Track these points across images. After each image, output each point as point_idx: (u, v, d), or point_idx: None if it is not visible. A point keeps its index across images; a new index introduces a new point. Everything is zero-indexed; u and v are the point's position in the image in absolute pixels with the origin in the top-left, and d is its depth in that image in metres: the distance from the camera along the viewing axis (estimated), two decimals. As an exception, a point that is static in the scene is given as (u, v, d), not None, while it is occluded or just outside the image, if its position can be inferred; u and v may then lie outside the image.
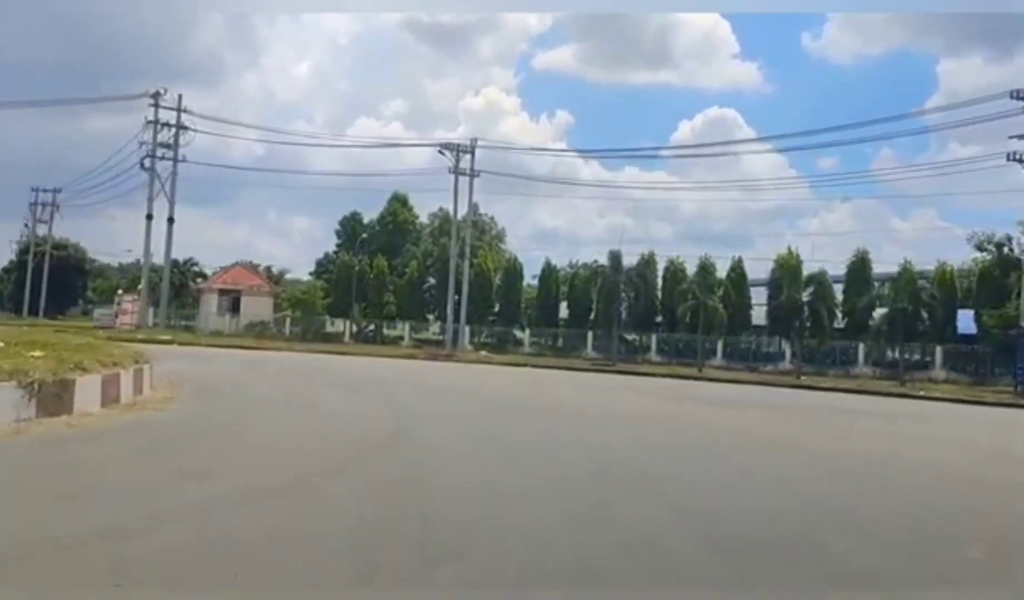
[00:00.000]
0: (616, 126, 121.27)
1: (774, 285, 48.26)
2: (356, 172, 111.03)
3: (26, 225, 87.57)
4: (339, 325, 59.41)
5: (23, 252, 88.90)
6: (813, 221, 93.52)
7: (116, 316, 66.45)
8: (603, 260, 48.97)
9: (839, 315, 46.42)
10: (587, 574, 6.39)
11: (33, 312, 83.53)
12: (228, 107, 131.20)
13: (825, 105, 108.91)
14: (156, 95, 58.00)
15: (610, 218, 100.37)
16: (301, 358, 40.76)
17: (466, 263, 51.90)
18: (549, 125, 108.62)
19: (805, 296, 44.14)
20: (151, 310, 60.33)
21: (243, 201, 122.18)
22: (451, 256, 51.81)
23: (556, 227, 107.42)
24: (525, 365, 43.30)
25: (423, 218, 73.06)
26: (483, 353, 49.65)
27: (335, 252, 71.30)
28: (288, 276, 75.58)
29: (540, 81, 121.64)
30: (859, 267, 46.63)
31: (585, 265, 57.67)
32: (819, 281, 42.75)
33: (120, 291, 73.39)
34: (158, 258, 60.48)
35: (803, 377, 40.39)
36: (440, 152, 50.53)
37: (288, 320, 58.89)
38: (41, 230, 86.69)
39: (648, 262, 51.86)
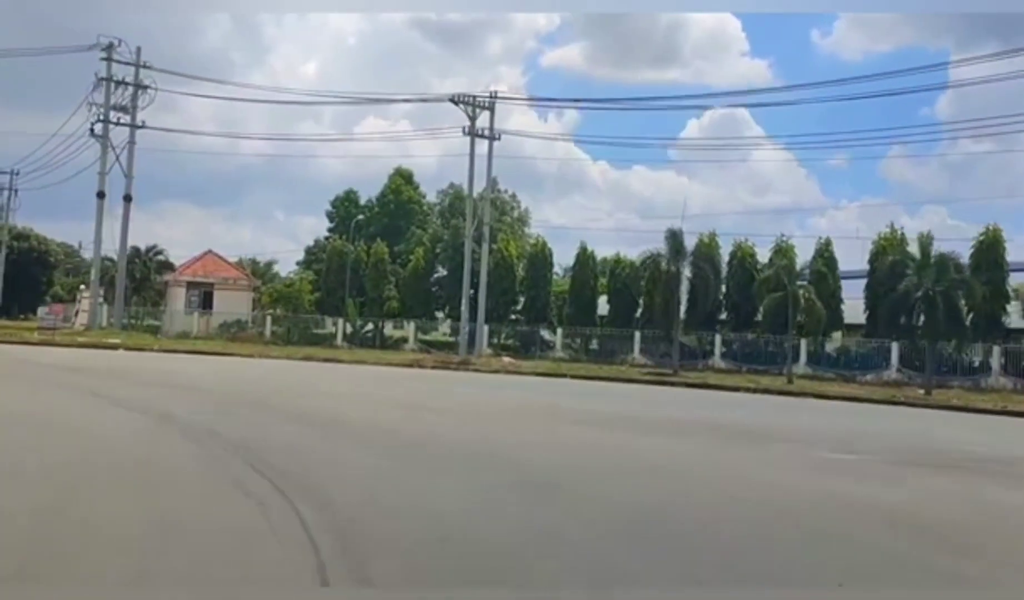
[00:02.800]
0: (624, 124, 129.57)
1: (878, 273, 39.44)
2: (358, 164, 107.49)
3: (-22, 213, 79.38)
4: (330, 324, 51.12)
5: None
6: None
7: (76, 314, 58.85)
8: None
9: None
10: None
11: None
12: (236, 105, 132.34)
13: (835, 103, 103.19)
14: (109, 47, 49.63)
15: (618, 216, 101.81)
16: (275, 368, 32.68)
17: (484, 248, 43.45)
18: (557, 123, 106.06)
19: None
20: (104, 308, 52.09)
21: (246, 199, 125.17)
22: (466, 238, 43.28)
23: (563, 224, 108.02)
24: (562, 375, 35.00)
25: (431, 197, 64.58)
26: (506, 359, 41.28)
27: (326, 238, 62.89)
28: (277, 269, 67.01)
29: (548, 79, 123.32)
30: (990, 248, 37.67)
31: (619, 258, 48.98)
32: (944, 265, 33.68)
33: (83, 287, 65.59)
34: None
35: (932, 392, 31.69)
36: (453, 101, 42.01)
37: (269, 319, 50.48)
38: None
39: (709, 245, 43.19)
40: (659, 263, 40.93)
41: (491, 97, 43.13)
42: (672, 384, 33.28)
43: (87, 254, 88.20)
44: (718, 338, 43.42)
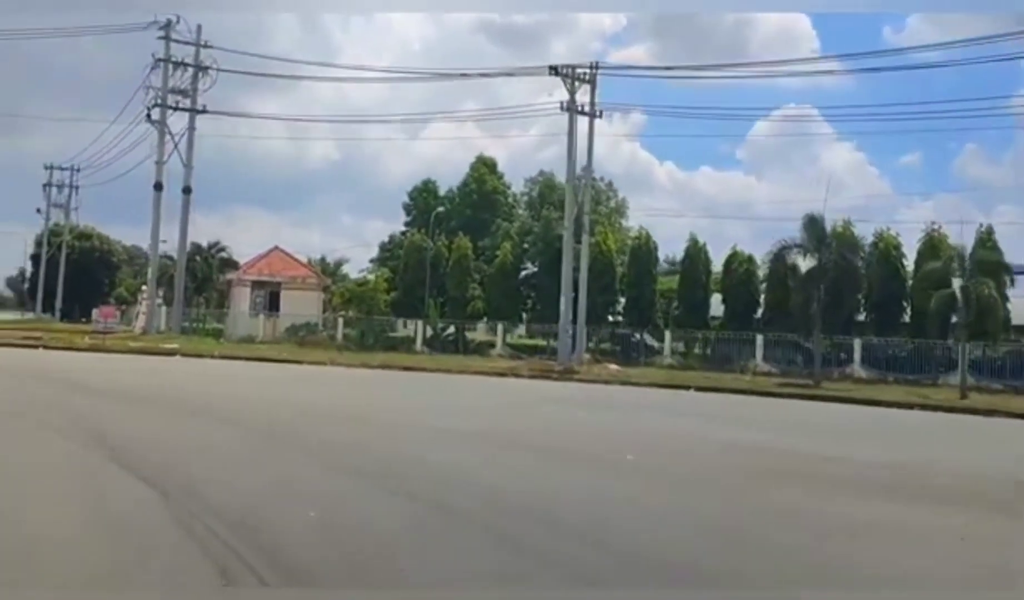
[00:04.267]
0: (690, 125, 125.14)
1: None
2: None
3: (38, 211, 77.39)
4: (408, 327, 46.81)
5: (40, 244, 79.07)
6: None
7: (136, 316, 55.71)
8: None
9: None
10: None
11: (50, 310, 74.55)
12: (304, 111, 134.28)
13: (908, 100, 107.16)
14: (167, 25, 46.04)
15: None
16: (354, 380, 28.37)
17: (584, 241, 38.52)
18: (623, 124, 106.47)
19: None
20: (163, 310, 48.58)
21: (313, 203, 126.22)
22: (565, 229, 38.41)
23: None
24: (683, 386, 29.95)
25: (518, 186, 59.80)
26: (612, 367, 36.41)
27: (403, 232, 58.56)
28: (346, 269, 62.86)
29: (614, 81, 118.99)
30: None
31: (735, 252, 43.70)
32: None
33: (143, 287, 62.53)
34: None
35: None
36: (553, 71, 37.15)
37: (341, 321, 46.29)
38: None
39: (843, 234, 37.60)
40: (784, 257, 35.77)
41: (592, 68, 38.21)
42: (823, 398, 27.98)
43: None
44: (857, 343, 37.91)
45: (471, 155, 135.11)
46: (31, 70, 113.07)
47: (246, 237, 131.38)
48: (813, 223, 33.54)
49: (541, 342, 45.76)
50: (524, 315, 47.30)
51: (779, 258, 36.06)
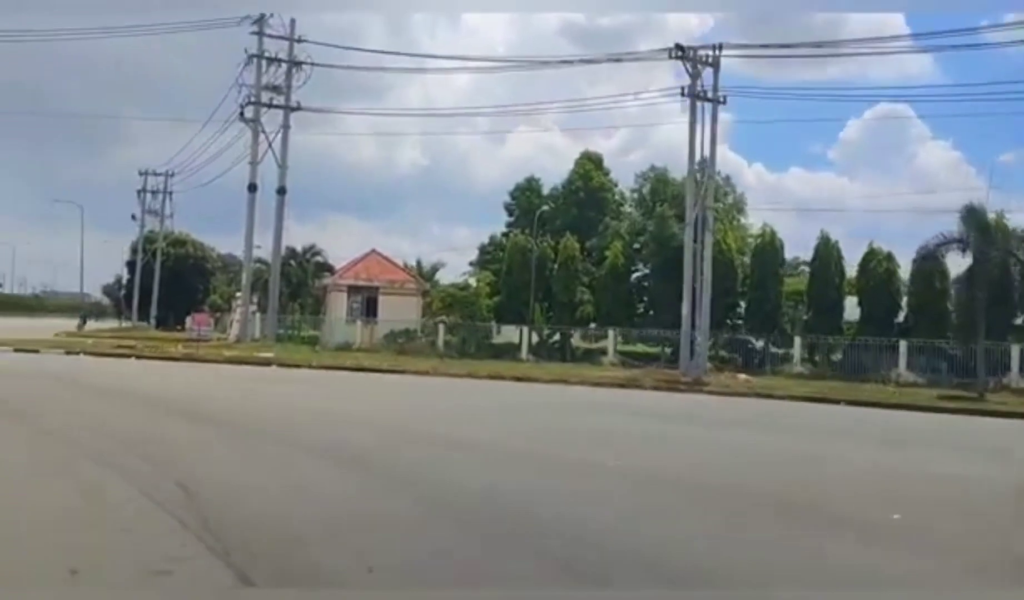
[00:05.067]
0: (781, 126, 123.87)
1: None
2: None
3: (133, 217, 77.55)
4: (511, 333, 44.51)
5: (136, 251, 79.31)
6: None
7: (231, 324, 54.76)
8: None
9: None
10: None
11: (146, 318, 74.65)
12: (393, 120, 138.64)
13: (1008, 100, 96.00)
14: (260, 20, 44.66)
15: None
16: (459, 393, 26.13)
17: (707, 239, 35.54)
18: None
19: None
20: (258, 317, 47.25)
21: (402, 211, 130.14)
22: (687, 224, 35.54)
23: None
24: (830, 400, 26.93)
25: (627, 182, 56.93)
26: (741, 377, 33.50)
27: (505, 233, 56.25)
28: (442, 274, 60.68)
29: (703, 82, 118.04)
30: None
31: (872, 249, 40.32)
32: None
33: (237, 294, 61.70)
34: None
35: None
36: (676, 52, 34.37)
37: (442, 327, 44.19)
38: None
39: (1000, 227, 33.91)
40: (937, 254, 32.45)
41: (715, 50, 35.31)
42: (997, 414, 24.66)
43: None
44: (1016, 350, 34.25)
45: (560, 156, 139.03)
46: (126, 77, 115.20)
47: (336, 245, 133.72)
48: (973, 214, 30.09)
49: (654, 349, 43.00)
50: (639, 318, 44.57)
51: (930, 256, 32.74)
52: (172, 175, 74.70)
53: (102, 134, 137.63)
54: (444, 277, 59.74)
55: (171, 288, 75.77)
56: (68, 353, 35.01)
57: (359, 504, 8.48)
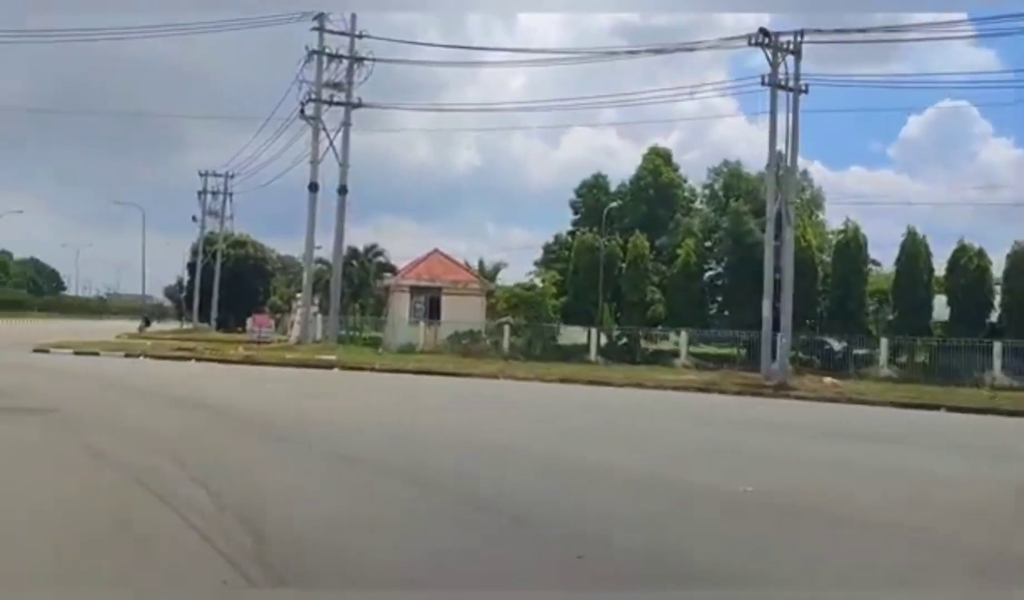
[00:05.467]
0: (840, 124, 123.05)
1: None
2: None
3: (194, 219, 77.63)
4: (576, 334, 43.10)
5: (197, 252, 79.46)
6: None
7: (291, 325, 54.18)
8: None
9: None
10: None
11: (206, 319, 74.66)
12: (449, 121, 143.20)
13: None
14: (320, 16, 43.84)
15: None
16: (535, 398, 24.93)
17: (789, 235, 33.82)
18: (766, 124, 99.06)
19: None
20: (319, 318, 46.49)
21: (458, 213, 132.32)
22: (768, 219, 33.83)
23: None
24: (930, 405, 25.22)
25: (698, 176, 55.18)
26: (827, 380, 31.75)
27: (571, 232, 54.80)
28: (503, 274, 59.38)
29: (758, 81, 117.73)
30: None
31: (963, 246, 38.31)
32: None
33: (297, 295, 61.18)
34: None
35: None
36: (758, 38, 32.68)
37: (507, 328, 42.97)
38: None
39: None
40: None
41: (797, 36, 33.53)
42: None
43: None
44: None
45: (616, 157, 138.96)
46: (186, 80, 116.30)
47: (391, 247, 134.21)
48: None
49: (727, 351, 41.34)
50: (713, 317, 43.00)
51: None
52: (232, 176, 74.76)
53: (164, 137, 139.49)
54: (504, 278, 58.65)
55: (231, 289, 75.71)
56: (128, 356, 34.41)
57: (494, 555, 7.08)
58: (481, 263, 57.38)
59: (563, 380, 30.62)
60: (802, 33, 33.96)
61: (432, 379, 29.75)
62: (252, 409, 15.39)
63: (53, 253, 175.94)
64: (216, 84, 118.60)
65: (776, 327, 33.35)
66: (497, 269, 57.85)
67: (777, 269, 33.87)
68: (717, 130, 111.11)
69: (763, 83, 33.57)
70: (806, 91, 34.58)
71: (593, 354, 41.19)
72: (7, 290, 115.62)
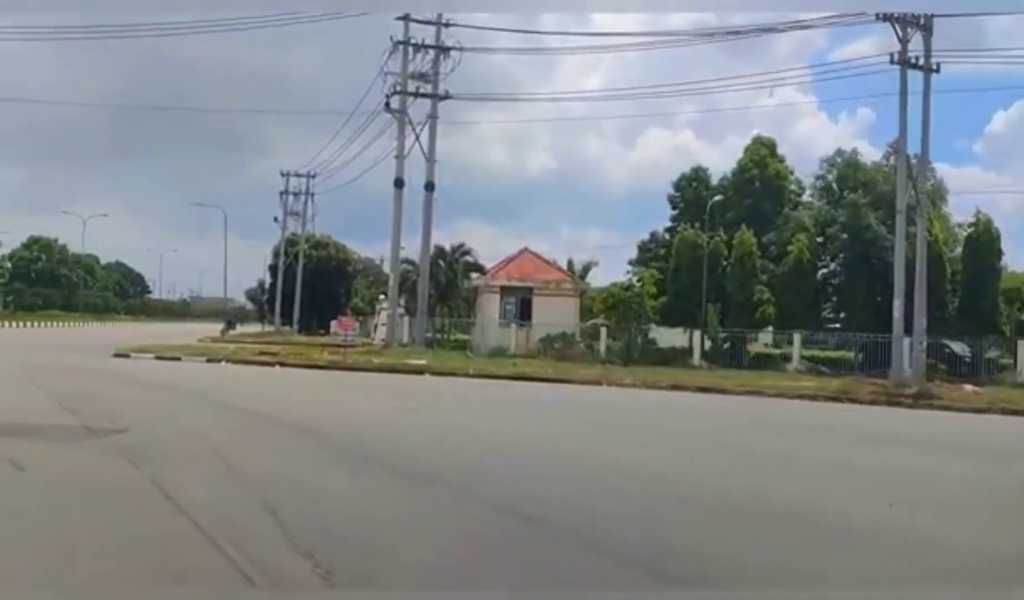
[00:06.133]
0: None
1: None
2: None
3: (275, 220, 76.93)
4: (674, 336, 40.53)
5: (278, 254, 78.86)
6: None
7: (375, 328, 52.70)
8: None
9: None
10: None
11: (288, 322, 73.91)
12: (523, 125, 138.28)
13: None
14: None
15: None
16: (651, 409, 22.70)
17: (920, 228, 30.85)
18: (849, 123, 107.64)
19: None
20: (406, 321, 44.75)
21: (532, 215, 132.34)
22: (898, 211, 30.88)
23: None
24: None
25: (806, 168, 52.21)
26: (968, 388, 28.82)
27: (668, 228, 52.26)
28: (594, 273, 56.96)
29: (838, 78, 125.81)
30: None
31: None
32: None
33: (381, 296, 59.73)
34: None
35: None
36: (888, 18, 29.83)
37: (604, 331, 40.62)
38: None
39: None
40: None
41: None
42: None
43: (388, 267, 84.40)
44: None
45: (692, 157, 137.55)
46: (267, 81, 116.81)
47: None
48: None
49: (844, 355, 38.36)
50: (828, 318, 40.19)
51: None
52: (313, 176, 73.83)
53: (245, 141, 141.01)
54: (606, 272, 56.30)
55: (313, 292, 74.87)
56: (210, 361, 33.03)
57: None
58: (570, 263, 55.16)
59: (672, 387, 28.20)
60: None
61: (531, 386, 27.58)
62: (352, 429, 13.16)
63: (138, 257, 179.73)
64: (296, 87, 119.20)
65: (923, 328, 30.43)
66: (587, 268, 55.57)
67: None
68: (797, 127, 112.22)
69: (892, 62, 30.66)
70: (937, 70, 31.64)
71: (696, 358, 38.68)
72: (94, 293, 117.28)
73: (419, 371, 31.50)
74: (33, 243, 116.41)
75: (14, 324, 69.36)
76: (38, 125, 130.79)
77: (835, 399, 25.85)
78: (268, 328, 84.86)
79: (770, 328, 40.22)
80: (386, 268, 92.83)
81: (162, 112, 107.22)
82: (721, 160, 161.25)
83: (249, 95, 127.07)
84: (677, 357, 39.18)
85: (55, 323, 78.39)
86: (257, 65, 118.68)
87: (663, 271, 45.18)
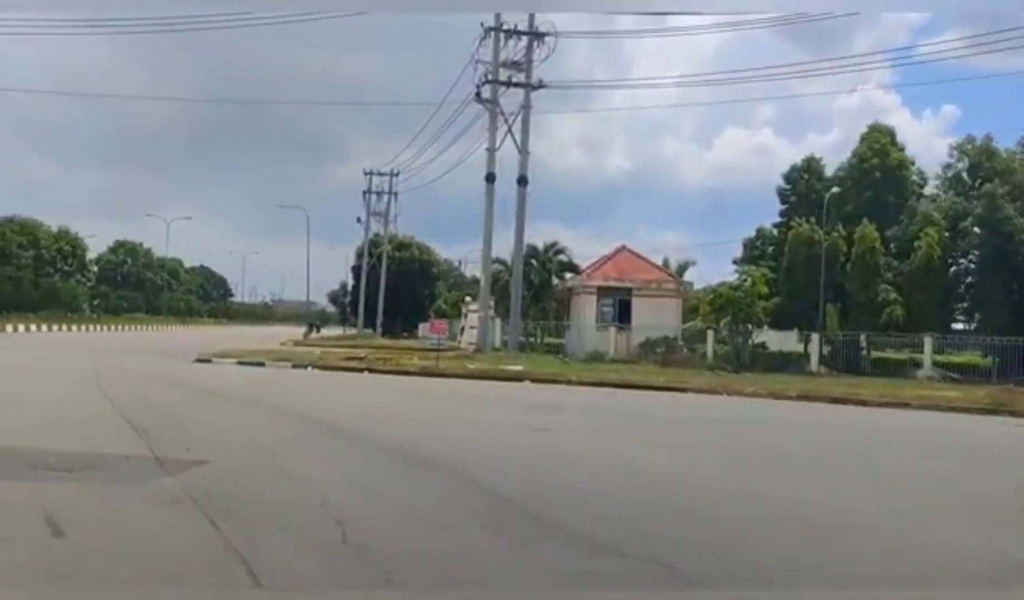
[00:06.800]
0: (1007, 118, 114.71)
1: None
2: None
3: (358, 220, 75.50)
4: (787, 340, 37.59)
5: (361, 255, 77.48)
6: None
7: (461, 331, 50.78)
8: None
9: None
10: None
11: (370, 325, 72.55)
12: (598, 126, 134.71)
13: None
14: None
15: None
16: (802, 428, 19.95)
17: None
18: (933, 120, 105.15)
19: None
20: (497, 323, 42.51)
21: (609, 217, 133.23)
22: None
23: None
24: None
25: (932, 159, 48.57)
26: None
27: (778, 224, 49.08)
28: (691, 271, 53.84)
29: (921, 73, 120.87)
30: None
31: None
32: None
33: (467, 299, 57.77)
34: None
35: None
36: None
37: (711, 334, 37.79)
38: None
39: None
40: None
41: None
42: None
43: (470, 270, 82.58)
44: None
45: (772, 157, 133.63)
46: (350, 89, 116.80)
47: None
48: None
49: (972, 359, 34.98)
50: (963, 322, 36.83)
51: None
52: (396, 175, 72.13)
53: (324, 145, 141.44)
54: (705, 272, 53.27)
55: (396, 294, 73.41)
56: (295, 366, 31.11)
57: None
58: (666, 262, 52.24)
59: (801, 397, 25.37)
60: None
61: (647, 397, 25.04)
62: (490, 461, 10.41)
63: (220, 260, 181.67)
64: (375, 90, 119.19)
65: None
66: (684, 267, 52.59)
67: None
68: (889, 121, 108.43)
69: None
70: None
71: (814, 363, 35.69)
72: (178, 296, 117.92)
73: (518, 378, 29.20)
74: (119, 247, 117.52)
75: (98, 327, 69.18)
76: (124, 131, 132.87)
77: (991, 411, 22.81)
78: (349, 331, 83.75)
79: (898, 330, 36.94)
80: (467, 270, 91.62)
81: (243, 117, 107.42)
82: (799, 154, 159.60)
83: (329, 98, 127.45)
84: (791, 362, 36.26)
85: (139, 326, 78.29)
86: (337, 68, 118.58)
87: (774, 270, 42.03)
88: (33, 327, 57.21)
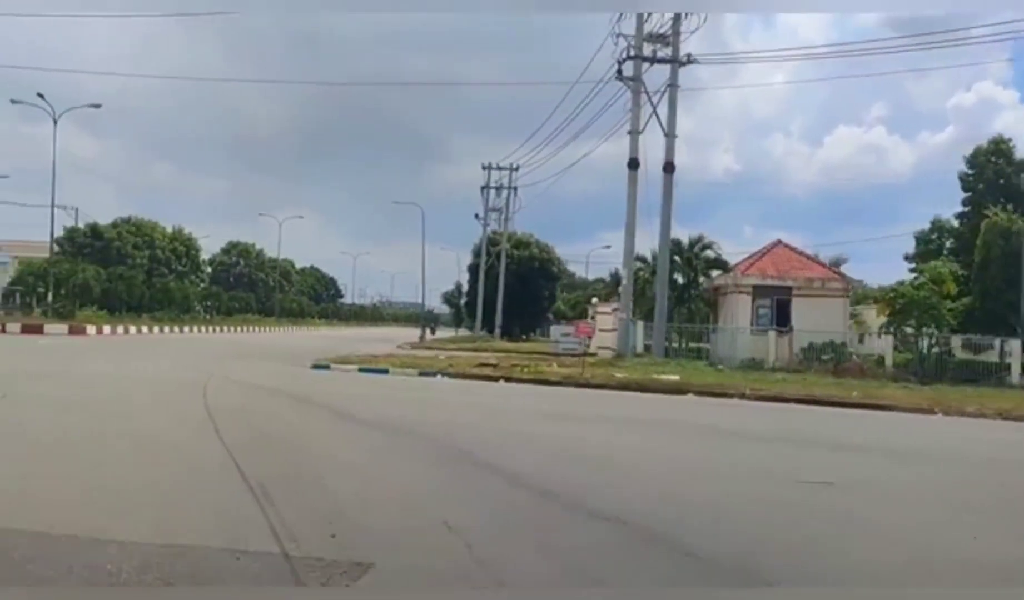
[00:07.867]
0: None
1: None
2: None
3: (477, 217, 72.19)
4: (982, 347, 32.58)
5: (478, 254, 74.29)
6: None
7: (592, 334, 46.98)
8: None
9: None
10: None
11: (488, 327, 69.33)
12: (705, 127, 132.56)
13: None
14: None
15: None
16: None
17: None
18: None
19: None
20: (640, 325, 38.41)
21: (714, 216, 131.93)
22: None
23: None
24: None
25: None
26: None
27: (960, 214, 43.80)
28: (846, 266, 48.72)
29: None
30: None
31: None
32: None
33: (594, 300, 53.85)
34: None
35: None
36: None
37: (891, 340, 32.96)
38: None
39: None
40: None
41: None
42: None
43: (592, 271, 78.63)
44: None
45: (884, 154, 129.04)
46: (457, 92, 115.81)
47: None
48: None
49: None
50: None
51: None
52: (516, 169, 68.59)
53: (434, 147, 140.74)
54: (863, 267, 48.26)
55: (515, 294, 70.00)
56: (422, 374, 27.71)
57: None
58: (816, 257, 47.28)
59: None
60: None
61: (848, 416, 20.76)
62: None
63: (330, 261, 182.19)
64: (480, 96, 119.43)
65: None
66: (838, 263, 47.57)
67: None
68: (995, 120, 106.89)
69: None
70: None
71: (1015, 374, 30.73)
72: (289, 297, 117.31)
73: (678, 390, 25.13)
74: (232, 248, 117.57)
75: (211, 328, 67.68)
76: (238, 136, 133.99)
77: None
78: (462, 332, 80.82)
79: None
80: (581, 271, 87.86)
81: (354, 120, 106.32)
82: (910, 155, 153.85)
83: (440, 102, 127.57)
84: (985, 373, 31.32)
85: (251, 327, 76.79)
86: (449, 72, 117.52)
87: (968, 266, 36.84)
88: (145, 329, 55.55)
